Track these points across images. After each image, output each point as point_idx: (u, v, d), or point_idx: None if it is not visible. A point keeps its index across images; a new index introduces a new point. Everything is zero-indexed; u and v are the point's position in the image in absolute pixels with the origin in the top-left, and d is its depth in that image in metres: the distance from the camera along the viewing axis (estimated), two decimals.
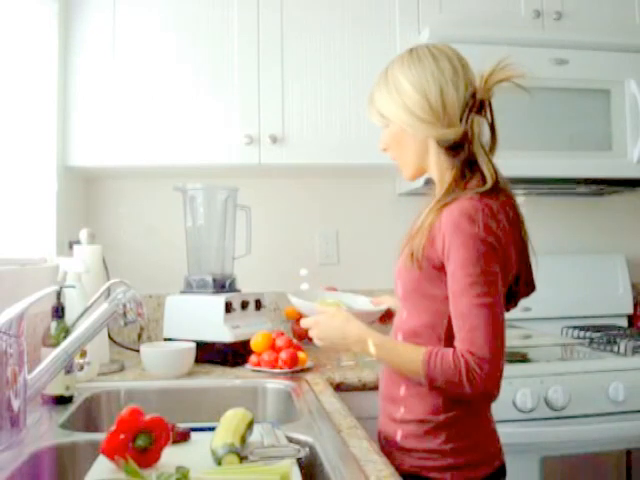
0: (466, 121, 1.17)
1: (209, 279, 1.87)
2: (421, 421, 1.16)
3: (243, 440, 0.99)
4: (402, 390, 1.20)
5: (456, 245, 1.09)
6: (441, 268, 1.14)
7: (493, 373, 1.06)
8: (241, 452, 0.93)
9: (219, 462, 0.91)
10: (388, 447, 1.22)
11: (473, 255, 1.08)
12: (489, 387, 1.07)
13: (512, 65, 1.19)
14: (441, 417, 1.15)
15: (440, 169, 1.22)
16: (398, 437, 1.20)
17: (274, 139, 1.98)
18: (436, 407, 1.15)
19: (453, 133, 1.18)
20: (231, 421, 1.02)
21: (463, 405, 1.15)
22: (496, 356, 1.06)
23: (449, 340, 1.14)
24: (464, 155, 1.19)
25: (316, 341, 1.29)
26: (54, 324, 1.32)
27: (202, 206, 1.97)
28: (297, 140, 2.01)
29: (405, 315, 1.23)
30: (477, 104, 1.18)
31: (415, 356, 1.11)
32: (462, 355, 1.06)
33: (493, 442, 1.20)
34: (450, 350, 1.09)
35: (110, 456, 0.90)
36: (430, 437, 1.15)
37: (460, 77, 1.18)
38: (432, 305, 1.17)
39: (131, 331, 2.19)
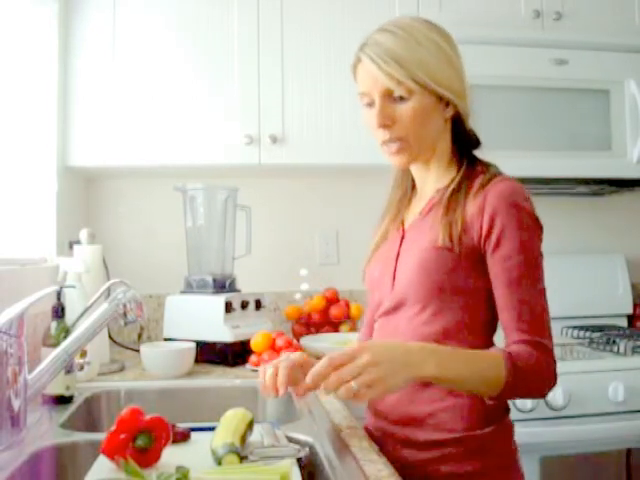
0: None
1: (209, 279, 1.87)
2: (459, 440, 1.02)
3: (243, 440, 0.99)
4: (428, 406, 1.05)
5: (513, 226, 0.99)
6: (474, 257, 1.03)
7: (555, 361, 1.00)
8: (241, 452, 0.93)
9: (219, 462, 0.91)
10: (410, 476, 0.99)
11: (531, 237, 1.01)
12: (557, 377, 1.00)
13: None
14: (486, 430, 1.02)
15: (449, 152, 1.12)
16: (426, 463, 1.04)
17: (274, 139, 1.98)
18: (476, 421, 1.02)
19: (470, 112, 1.10)
20: (231, 421, 1.02)
21: (499, 416, 1.05)
22: (552, 344, 1.00)
23: (485, 337, 1.06)
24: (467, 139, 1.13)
25: (361, 387, 0.86)
26: (54, 324, 1.32)
27: (202, 206, 1.97)
28: (297, 140, 2.01)
29: (426, 317, 1.06)
30: None
31: (494, 361, 0.95)
32: (535, 347, 0.97)
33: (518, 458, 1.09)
34: (519, 346, 0.97)
35: (110, 456, 0.90)
36: (472, 457, 1.02)
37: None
38: (465, 300, 1.04)
39: (131, 331, 2.19)
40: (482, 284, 1.04)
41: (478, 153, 1.15)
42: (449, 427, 1.03)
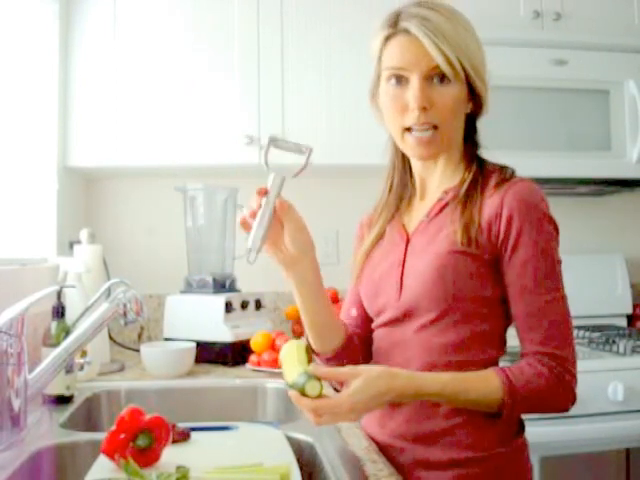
0: None
1: (209, 279, 1.87)
2: (477, 459, 0.95)
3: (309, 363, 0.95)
4: (445, 422, 0.98)
5: (532, 229, 0.94)
6: (493, 262, 0.97)
7: (576, 375, 0.95)
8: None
9: (303, 392, 0.89)
10: None
11: (549, 241, 0.95)
12: (575, 392, 0.95)
13: None
14: (502, 450, 0.97)
15: (460, 150, 1.06)
16: None
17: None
18: (495, 438, 0.97)
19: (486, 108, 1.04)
20: (292, 355, 0.97)
21: (517, 433, 1.01)
22: (575, 356, 0.95)
23: (498, 349, 1.01)
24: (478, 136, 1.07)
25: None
26: (54, 324, 1.32)
27: (202, 206, 1.97)
28: (297, 140, 2.00)
29: (439, 328, 0.99)
30: None
31: (488, 385, 0.92)
32: (546, 361, 0.92)
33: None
34: (523, 362, 0.94)
35: (110, 456, 0.90)
36: (504, 475, 0.96)
37: None
38: (482, 310, 0.98)
39: (131, 331, 2.19)
40: (500, 292, 0.98)
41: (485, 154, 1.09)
42: (467, 445, 0.96)
